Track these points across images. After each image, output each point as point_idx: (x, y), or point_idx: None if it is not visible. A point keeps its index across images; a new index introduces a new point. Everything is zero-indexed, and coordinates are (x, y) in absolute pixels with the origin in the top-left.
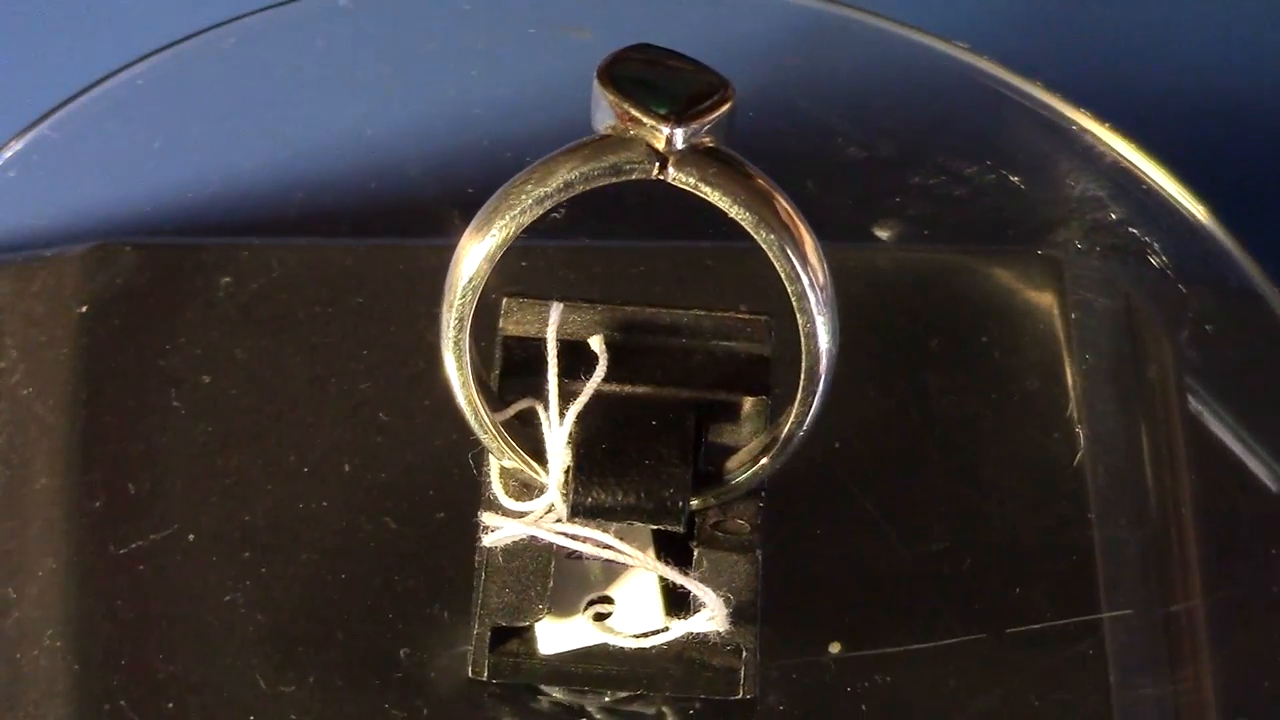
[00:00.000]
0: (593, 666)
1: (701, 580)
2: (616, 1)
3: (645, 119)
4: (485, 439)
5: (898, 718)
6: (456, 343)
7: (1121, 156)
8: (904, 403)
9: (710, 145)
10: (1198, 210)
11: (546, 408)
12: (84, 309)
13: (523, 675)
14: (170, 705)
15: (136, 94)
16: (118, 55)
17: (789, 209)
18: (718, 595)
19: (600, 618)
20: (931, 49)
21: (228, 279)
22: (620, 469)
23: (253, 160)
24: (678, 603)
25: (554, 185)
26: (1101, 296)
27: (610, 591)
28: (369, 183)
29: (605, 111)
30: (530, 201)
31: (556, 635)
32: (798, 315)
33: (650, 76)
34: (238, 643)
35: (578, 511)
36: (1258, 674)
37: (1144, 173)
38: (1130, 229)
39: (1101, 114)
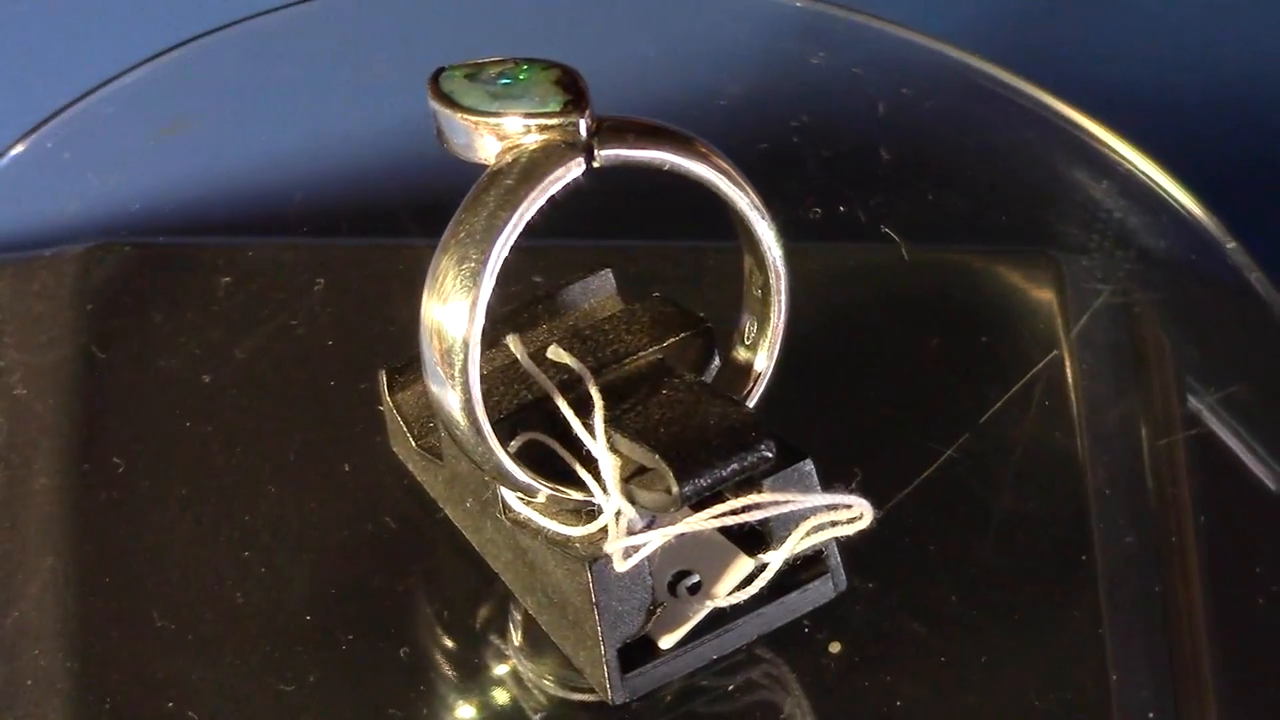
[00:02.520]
0: (713, 637)
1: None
2: (615, 4)
3: (552, 121)
4: (522, 485)
5: None
6: (469, 414)
7: (1121, 156)
8: (904, 402)
9: (606, 120)
10: (1197, 210)
11: (558, 432)
12: (84, 309)
13: (662, 678)
14: (170, 705)
15: (137, 96)
16: (120, 58)
17: (705, 143)
18: (850, 495)
19: (695, 589)
20: (930, 49)
21: (228, 279)
22: (698, 441)
23: (253, 160)
24: (747, 541)
25: (509, 219)
26: (1101, 296)
27: (683, 565)
28: (369, 183)
29: (487, 138)
30: (498, 247)
31: (668, 628)
32: (752, 230)
33: (494, 89)
34: (238, 643)
35: (689, 498)
36: (1258, 674)
37: (1144, 172)
38: (1130, 229)
39: (1101, 114)
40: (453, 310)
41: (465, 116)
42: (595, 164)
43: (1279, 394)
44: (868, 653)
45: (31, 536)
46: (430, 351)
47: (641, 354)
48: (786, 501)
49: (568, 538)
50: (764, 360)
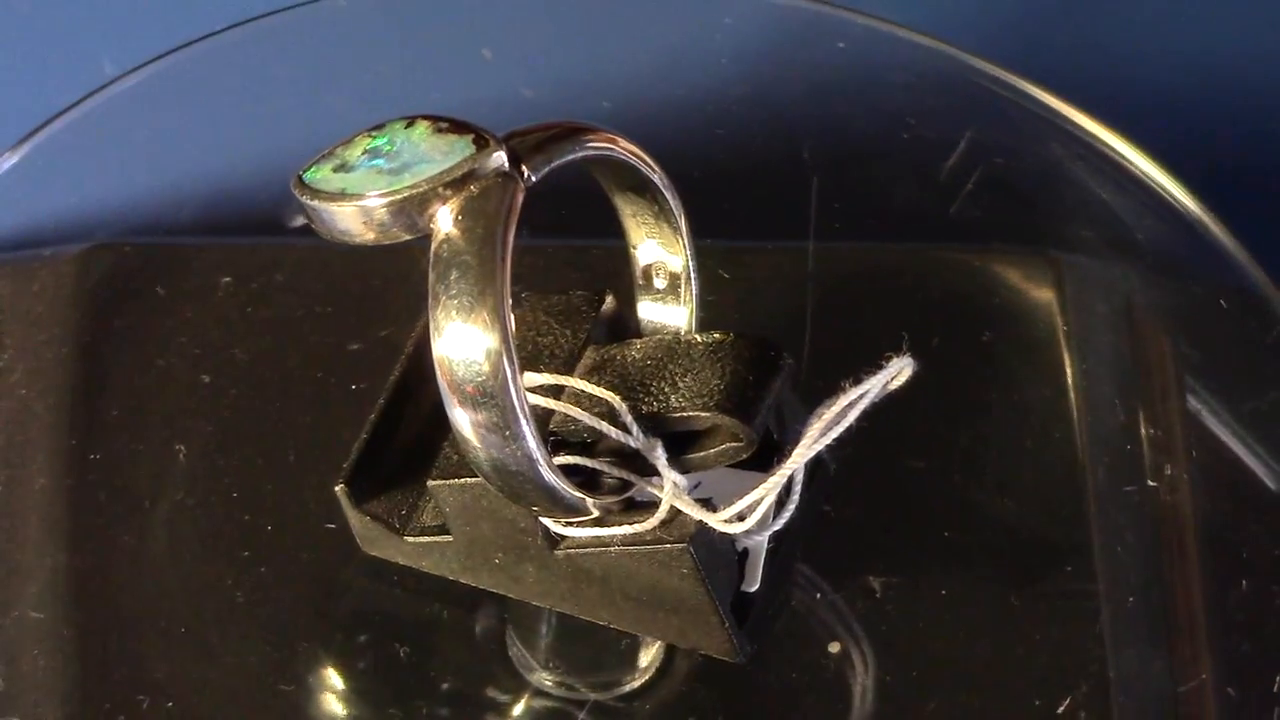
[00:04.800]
0: (774, 563)
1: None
2: (616, 3)
3: (477, 164)
4: (576, 504)
5: None
6: (528, 453)
7: (1121, 156)
8: (903, 402)
9: (514, 140)
10: (1198, 210)
11: (573, 447)
12: (83, 309)
13: (766, 616)
14: (170, 705)
15: (138, 97)
16: (121, 61)
17: (595, 124)
18: (895, 364)
19: (742, 518)
20: (930, 49)
21: (228, 279)
22: (732, 381)
23: (253, 160)
24: (760, 462)
25: (495, 267)
26: (1101, 296)
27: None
28: None
29: (412, 213)
30: (501, 300)
31: (751, 568)
32: (655, 188)
33: (386, 166)
34: (238, 643)
35: (760, 435)
36: (1259, 675)
37: (1143, 172)
38: (1130, 229)
39: (1101, 114)
40: (488, 369)
41: (382, 204)
42: (529, 184)
43: (1279, 394)
44: (868, 653)
45: (31, 536)
46: (470, 413)
47: (579, 348)
48: (869, 390)
49: (642, 535)
50: (684, 314)
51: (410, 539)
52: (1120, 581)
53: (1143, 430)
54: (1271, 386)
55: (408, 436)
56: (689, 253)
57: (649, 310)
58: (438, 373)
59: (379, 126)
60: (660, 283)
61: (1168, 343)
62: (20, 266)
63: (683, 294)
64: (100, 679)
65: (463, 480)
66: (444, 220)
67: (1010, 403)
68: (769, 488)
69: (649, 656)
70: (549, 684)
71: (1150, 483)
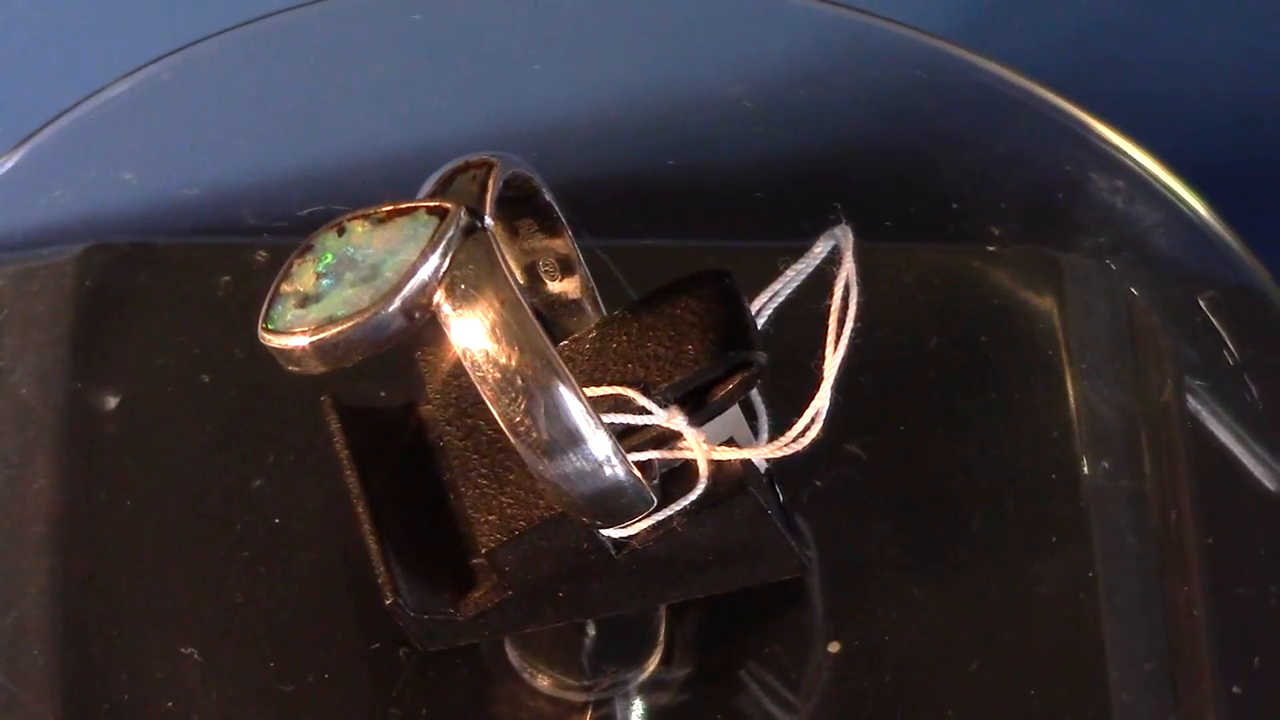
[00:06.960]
0: (776, 479)
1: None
2: (618, 5)
3: (450, 232)
4: (648, 496)
5: None
6: (609, 457)
7: (1122, 154)
8: (903, 402)
9: (456, 190)
10: (1199, 207)
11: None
12: (84, 308)
13: (806, 538)
14: (170, 705)
15: (137, 98)
16: (121, 62)
17: (493, 153)
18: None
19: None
20: (932, 49)
21: (227, 279)
22: (713, 323)
23: (253, 160)
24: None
25: (519, 310)
26: (1101, 296)
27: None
28: (368, 183)
29: (415, 306)
30: (542, 340)
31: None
32: (529, 182)
33: (355, 276)
34: (237, 643)
35: (767, 361)
36: (1258, 673)
37: (1145, 170)
38: (1130, 229)
39: (1102, 114)
40: (560, 404)
41: (393, 307)
42: (491, 223)
43: (1279, 394)
44: (872, 643)
45: (31, 536)
46: (557, 452)
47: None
48: (849, 271)
49: (699, 500)
50: (588, 299)
51: (470, 614)
52: (1120, 581)
53: (1143, 430)
54: (1272, 387)
55: (394, 521)
56: (572, 239)
57: (553, 308)
58: (515, 438)
59: (309, 248)
60: (552, 276)
61: (1168, 343)
62: (20, 266)
63: (579, 279)
64: (100, 679)
65: (518, 533)
66: (443, 299)
67: (1010, 402)
68: (823, 399)
69: (650, 649)
70: (547, 684)
71: (1150, 482)
